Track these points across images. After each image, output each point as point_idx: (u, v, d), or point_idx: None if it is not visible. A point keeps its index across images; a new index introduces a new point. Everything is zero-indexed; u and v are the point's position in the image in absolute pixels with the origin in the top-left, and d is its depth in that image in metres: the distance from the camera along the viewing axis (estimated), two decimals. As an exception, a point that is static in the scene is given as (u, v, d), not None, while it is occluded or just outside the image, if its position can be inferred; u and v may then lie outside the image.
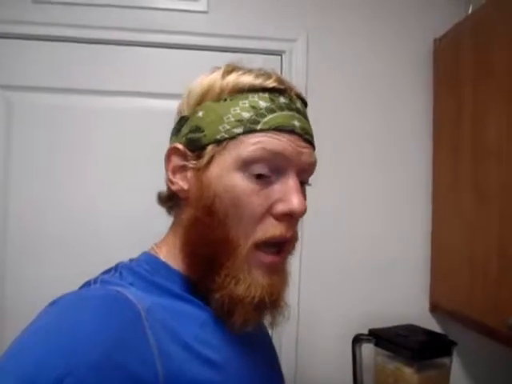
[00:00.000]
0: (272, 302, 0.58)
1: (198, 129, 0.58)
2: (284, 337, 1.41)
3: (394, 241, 1.49)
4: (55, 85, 1.39)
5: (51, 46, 1.38)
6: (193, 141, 0.58)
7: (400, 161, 1.51)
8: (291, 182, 0.57)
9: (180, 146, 0.59)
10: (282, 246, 0.58)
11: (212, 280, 0.56)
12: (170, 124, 0.66)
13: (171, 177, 0.61)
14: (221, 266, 0.56)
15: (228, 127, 0.56)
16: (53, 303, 0.50)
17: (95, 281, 0.57)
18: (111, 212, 1.38)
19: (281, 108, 0.57)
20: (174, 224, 0.64)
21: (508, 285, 1.09)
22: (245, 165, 0.55)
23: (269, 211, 0.56)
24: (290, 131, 0.57)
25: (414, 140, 1.51)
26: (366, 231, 1.48)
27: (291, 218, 0.57)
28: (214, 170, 0.57)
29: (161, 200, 0.66)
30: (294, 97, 0.60)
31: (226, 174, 0.56)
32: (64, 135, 1.38)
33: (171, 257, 0.61)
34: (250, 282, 0.56)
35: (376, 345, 1.32)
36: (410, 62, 1.52)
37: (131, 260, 0.62)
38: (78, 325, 0.45)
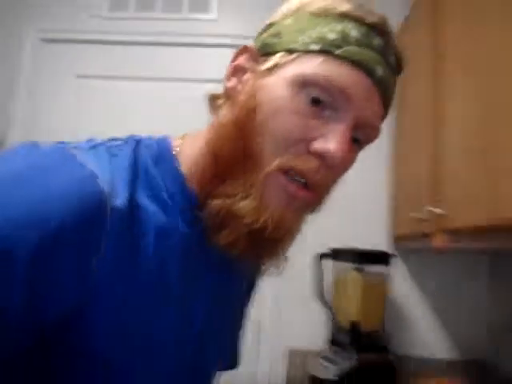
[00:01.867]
0: (272, 239, 0.52)
1: (277, 34, 0.54)
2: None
3: (355, 175, 1.60)
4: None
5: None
6: (267, 45, 0.55)
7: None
8: (342, 125, 0.51)
9: (252, 46, 0.57)
10: (309, 186, 0.53)
11: (219, 187, 0.52)
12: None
13: (230, 74, 0.57)
14: (236, 176, 0.52)
15: (307, 41, 0.52)
16: (27, 151, 0.47)
17: (94, 146, 0.52)
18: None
19: (371, 47, 0.52)
20: (210, 125, 0.58)
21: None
22: (304, 83, 0.51)
23: (306, 143, 0.51)
24: (369, 74, 0.51)
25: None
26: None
27: (323, 162, 0.51)
28: (272, 78, 0.53)
29: (211, 98, 0.60)
30: (391, 51, 0.54)
31: (281, 84, 0.52)
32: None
33: (188, 155, 0.56)
34: (259, 203, 0.51)
35: (334, 259, 1.63)
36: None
37: (149, 137, 0.58)
38: (39, 194, 0.42)
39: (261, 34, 0.58)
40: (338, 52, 0.50)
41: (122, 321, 0.47)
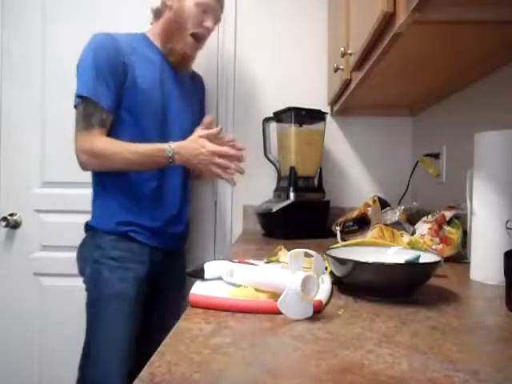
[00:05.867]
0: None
1: None
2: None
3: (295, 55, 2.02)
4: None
5: None
6: None
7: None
8: (211, 18, 1.56)
9: None
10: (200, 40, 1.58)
11: (169, 44, 1.55)
12: None
13: None
14: (174, 39, 1.53)
15: None
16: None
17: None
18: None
19: None
20: (156, 25, 1.59)
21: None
22: (200, 5, 1.51)
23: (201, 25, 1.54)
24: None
25: None
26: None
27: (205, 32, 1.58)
28: (189, 1, 1.50)
29: (155, 11, 1.59)
30: None
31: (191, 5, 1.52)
32: None
33: (153, 33, 1.59)
34: (188, 50, 1.57)
35: (277, 121, 1.85)
36: None
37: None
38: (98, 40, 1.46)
39: None
40: None
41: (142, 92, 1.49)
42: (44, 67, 2.03)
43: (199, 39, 1.54)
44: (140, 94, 1.47)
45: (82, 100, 1.41)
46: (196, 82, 1.83)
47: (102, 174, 1.50)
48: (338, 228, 1.47)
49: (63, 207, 1.99)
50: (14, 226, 2.02)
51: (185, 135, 1.47)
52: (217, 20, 1.59)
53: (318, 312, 0.69)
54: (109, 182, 1.50)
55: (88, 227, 1.54)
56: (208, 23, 1.52)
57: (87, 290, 1.48)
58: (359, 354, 0.53)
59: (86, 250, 1.51)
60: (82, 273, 1.51)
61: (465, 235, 1.14)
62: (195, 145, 1.38)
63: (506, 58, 1.13)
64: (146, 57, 1.51)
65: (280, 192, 1.81)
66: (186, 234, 1.76)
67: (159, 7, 1.56)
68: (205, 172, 1.45)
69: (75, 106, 1.44)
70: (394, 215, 1.41)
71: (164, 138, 1.45)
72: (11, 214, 2.02)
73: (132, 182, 1.50)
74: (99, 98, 1.40)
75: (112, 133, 1.45)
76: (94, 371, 1.40)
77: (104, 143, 1.40)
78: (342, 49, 1.38)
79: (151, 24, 1.61)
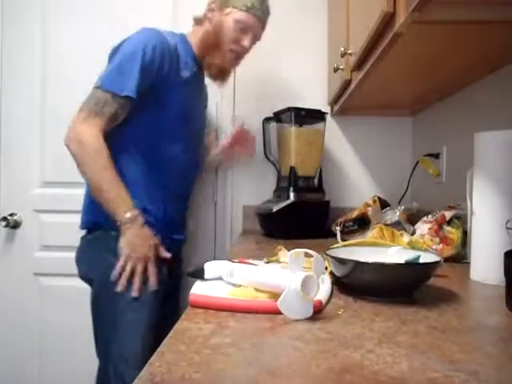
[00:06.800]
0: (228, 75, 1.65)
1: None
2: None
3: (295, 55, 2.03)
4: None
5: None
6: (226, 2, 1.47)
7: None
8: (249, 36, 1.50)
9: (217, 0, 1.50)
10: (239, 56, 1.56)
11: (208, 56, 1.53)
12: None
13: (208, 9, 1.51)
14: (213, 53, 1.51)
15: (239, 5, 1.46)
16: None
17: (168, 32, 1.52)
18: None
19: (261, 8, 1.50)
20: (195, 30, 1.56)
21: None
22: (239, 21, 1.46)
23: (238, 42, 1.50)
24: (257, 17, 1.50)
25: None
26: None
27: (243, 47, 1.52)
28: (227, 17, 1.46)
29: (195, 19, 1.57)
30: (266, 7, 1.55)
31: (230, 21, 1.47)
32: None
33: (193, 41, 1.54)
34: (226, 63, 1.55)
35: (277, 122, 1.84)
36: None
37: (181, 33, 1.56)
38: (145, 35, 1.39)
39: None
40: (251, 11, 1.47)
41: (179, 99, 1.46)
42: (44, 67, 2.03)
43: (236, 56, 1.52)
44: (172, 93, 1.43)
45: (102, 87, 1.31)
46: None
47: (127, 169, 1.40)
48: (338, 228, 1.47)
49: (63, 207, 1.99)
50: (13, 226, 2.02)
51: (199, 135, 1.66)
52: (256, 39, 1.55)
53: (318, 312, 0.69)
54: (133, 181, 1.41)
55: (96, 225, 1.44)
56: (245, 42, 1.48)
57: (96, 300, 1.40)
58: (359, 354, 0.53)
59: (93, 253, 1.43)
60: (85, 277, 1.44)
61: (465, 235, 1.14)
62: (145, 242, 1.33)
63: (507, 58, 1.13)
64: (184, 59, 1.47)
65: (280, 192, 1.81)
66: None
67: (201, 16, 1.54)
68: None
69: (95, 87, 1.32)
70: (394, 215, 1.41)
71: (184, 138, 1.51)
72: (11, 214, 2.02)
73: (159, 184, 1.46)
74: (123, 89, 1.30)
75: (132, 117, 1.37)
76: None
77: (100, 142, 1.28)
78: (342, 49, 1.38)
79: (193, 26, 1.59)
